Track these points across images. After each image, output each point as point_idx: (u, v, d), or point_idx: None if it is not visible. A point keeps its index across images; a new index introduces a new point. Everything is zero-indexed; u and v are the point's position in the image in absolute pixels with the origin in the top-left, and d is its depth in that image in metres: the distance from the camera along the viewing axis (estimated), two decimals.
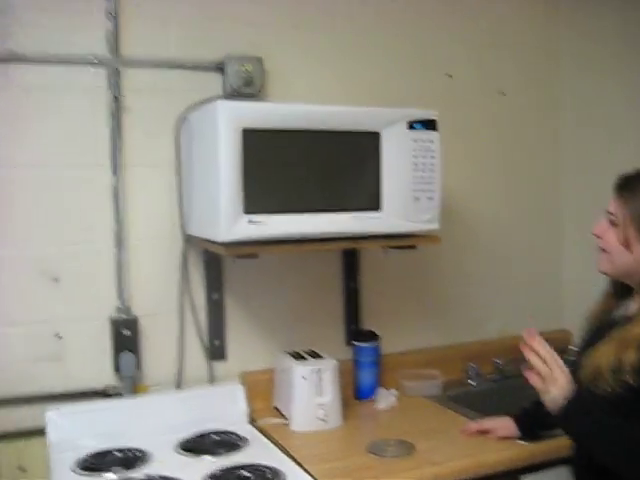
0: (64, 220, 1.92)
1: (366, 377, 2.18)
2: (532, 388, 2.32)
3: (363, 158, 1.84)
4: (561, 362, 1.54)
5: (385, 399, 2.12)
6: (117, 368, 1.95)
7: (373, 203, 1.84)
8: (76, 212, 1.93)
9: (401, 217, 1.86)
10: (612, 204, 1.55)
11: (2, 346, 1.87)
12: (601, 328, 1.60)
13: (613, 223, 1.54)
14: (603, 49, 2.44)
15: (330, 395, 1.94)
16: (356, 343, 2.19)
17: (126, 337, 1.96)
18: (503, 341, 2.48)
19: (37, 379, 1.91)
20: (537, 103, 2.58)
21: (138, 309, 2.00)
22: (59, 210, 1.92)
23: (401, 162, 1.85)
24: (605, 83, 2.44)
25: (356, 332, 2.25)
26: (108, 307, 1.97)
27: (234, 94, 2.01)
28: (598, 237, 1.59)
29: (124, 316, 1.97)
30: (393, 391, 2.17)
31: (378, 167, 1.84)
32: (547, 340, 2.38)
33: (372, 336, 2.19)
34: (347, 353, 2.22)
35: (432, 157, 1.88)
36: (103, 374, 1.97)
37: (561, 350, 2.40)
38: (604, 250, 1.58)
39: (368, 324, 2.28)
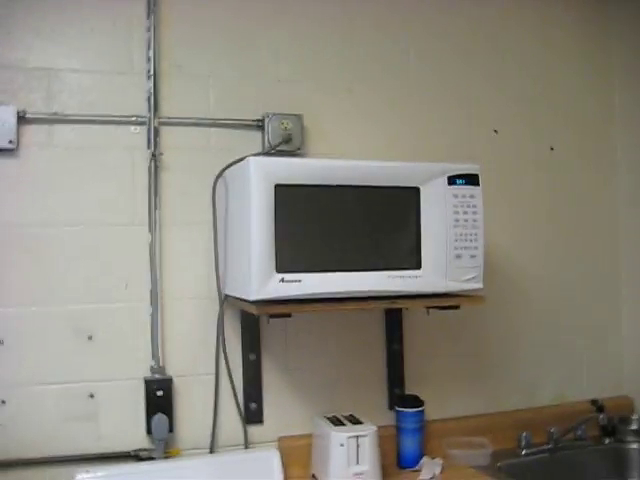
0: (100, 278, 1.91)
1: (410, 445, 2.07)
2: (588, 461, 2.20)
3: (402, 214, 1.78)
4: None
5: (430, 468, 2.00)
6: (149, 430, 1.90)
7: (412, 261, 1.78)
8: (112, 270, 1.92)
9: (442, 276, 1.79)
10: None
11: (34, 405, 1.85)
12: None
13: None
14: None
15: (369, 463, 1.85)
16: (399, 408, 2.09)
17: (160, 398, 1.91)
18: (558, 408, 2.36)
19: (68, 439, 1.87)
20: (589, 158, 2.49)
21: (173, 369, 1.96)
22: (96, 268, 1.91)
23: (441, 218, 1.79)
24: None
25: (399, 397, 2.15)
26: (142, 367, 1.93)
27: (273, 152, 2.00)
28: None
29: (158, 376, 1.93)
30: (438, 460, 2.05)
31: (418, 223, 1.78)
32: (606, 407, 2.25)
33: (416, 401, 2.09)
34: (390, 419, 2.12)
35: (474, 213, 1.81)
36: (135, 436, 1.92)
37: (621, 419, 2.29)
38: None
39: (412, 388, 2.18)
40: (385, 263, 1.75)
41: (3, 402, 1.83)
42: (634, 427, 2.29)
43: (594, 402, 2.28)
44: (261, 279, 1.63)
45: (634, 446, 2.24)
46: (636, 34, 2.45)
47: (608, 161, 2.52)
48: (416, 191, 1.78)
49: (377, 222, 1.76)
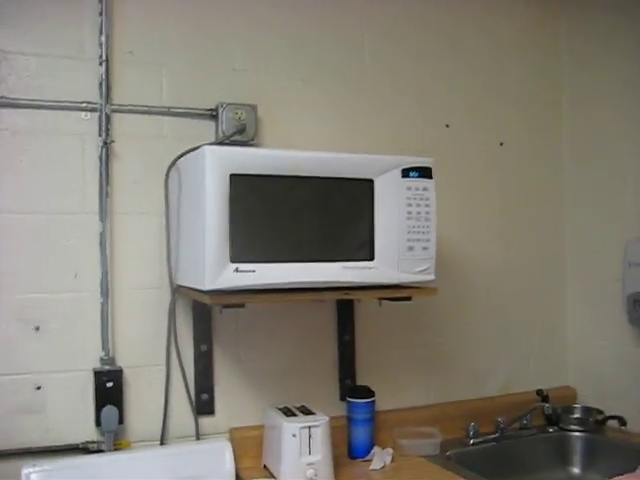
0: (49, 267, 1.87)
1: (361, 435, 2.08)
2: (534, 449, 2.25)
3: (356, 206, 1.79)
4: None
5: (380, 458, 2.02)
6: (99, 422, 1.87)
7: (366, 253, 1.79)
8: (61, 259, 1.88)
9: (394, 267, 1.81)
10: None
11: None
12: None
13: None
14: (608, 97, 2.41)
15: (321, 454, 1.85)
16: (350, 399, 2.10)
17: (109, 389, 1.88)
18: (505, 398, 2.41)
19: (15, 432, 1.83)
20: (538, 153, 2.54)
21: (123, 361, 1.93)
22: (44, 257, 1.87)
23: (395, 210, 1.80)
24: (610, 131, 2.40)
25: (350, 388, 2.16)
26: (92, 358, 1.90)
27: (226, 142, 1.98)
28: None
29: (108, 367, 1.90)
30: (389, 450, 2.07)
31: (371, 215, 1.79)
32: (550, 397, 2.31)
33: (367, 392, 2.10)
34: (341, 409, 2.13)
35: (427, 205, 1.83)
36: (84, 428, 1.88)
37: (565, 408, 2.35)
38: None
39: (363, 379, 2.20)
40: (339, 254, 1.76)
41: None
42: (577, 416, 2.36)
43: (539, 392, 2.34)
44: (215, 269, 1.62)
45: (577, 434, 2.30)
46: (584, 28, 2.50)
47: (555, 156, 2.57)
48: (370, 183, 1.79)
49: (331, 213, 1.76)
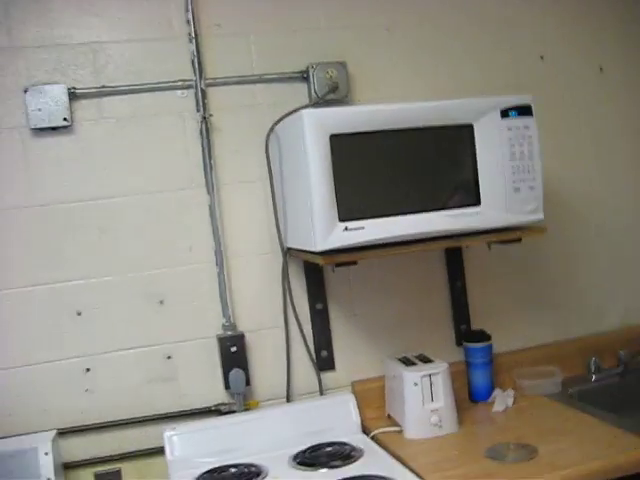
0: (165, 243, 1.96)
1: (480, 379, 2.10)
2: None
3: (457, 153, 1.77)
4: None
5: (502, 400, 2.03)
6: (227, 385, 1.97)
7: (471, 198, 1.78)
8: (176, 234, 1.97)
9: (502, 210, 1.78)
10: None
11: (117, 370, 1.93)
12: None
13: None
14: None
15: (443, 400, 1.88)
16: (467, 344, 2.11)
17: (234, 354, 1.97)
18: (625, 331, 2.35)
19: (152, 400, 1.95)
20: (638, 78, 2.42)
21: (244, 325, 2.01)
22: (159, 234, 1.96)
23: (497, 153, 1.77)
24: None
25: (466, 332, 2.17)
26: (214, 325, 1.99)
27: (320, 102, 2.00)
28: None
29: (230, 333, 1.98)
30: (510, 391, 2.08)
31: (474, 160, 1.77)
32: None
33: (483, 335, 2.10)
34: (458, 355, 2.15)
35: (530, 144, 1.79)
36: (214, 392, 1.99)
37: None
38: None
39: (478, 323, 2.20)
40: (445, 202, 1.76)
41: (88, 370, 1.91)
42: None
43: None
44: (325, 229, 1.65)
45: None
46: None
47: None
48: (470, 128, 1.77)
49: (434, 163, 1.75)
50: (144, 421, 1.94)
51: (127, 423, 1.93)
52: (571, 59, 2.33)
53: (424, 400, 1.87)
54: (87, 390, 1.91)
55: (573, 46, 2.33)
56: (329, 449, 1.85)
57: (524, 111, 1.79)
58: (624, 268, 2.39)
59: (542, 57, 2.29)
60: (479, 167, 1.77)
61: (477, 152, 1.77)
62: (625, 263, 2.40)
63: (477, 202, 1.78)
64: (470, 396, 2.11)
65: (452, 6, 2.21)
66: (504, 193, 1.78)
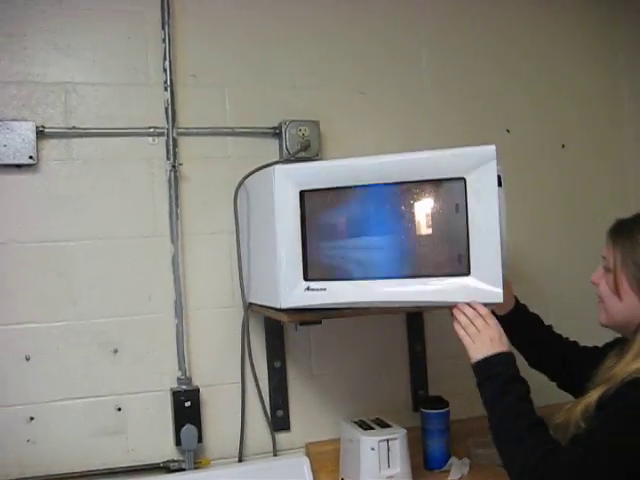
0: (124, 291, 1.92)
1: (436, 446, 2.07)
2: None
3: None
4: (494, 323, 1.50)
5: (458, 469, 2.01)
6: (178, 441, 1.90)
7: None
8: (135, 282, 1.93)
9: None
10: (605, 249, 1.49)
11: (62, 420, 1.85)
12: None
13: (607, 269, 1.48)
14: None
15: (400, 466, 1.85)
16: (424, 410, 2.09)
17: (187, 409, 1.91)
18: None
19: (98, 453, 1.88)
20: (600, 153, 2.50)
21: (199, 379, 1.96)
22: (118, 281, 1.91)
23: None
24: None
25: (424, 398, 2.15)
26: (169, 378, 1.94)
27: (292, 159, 2.00)
28: (595, 284, 1.53)
29: (185, 387, 1.93)
30: (466, 460, 2.05)
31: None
32: None
33: (441, 402, 2.09)
34: (415, 420, 2.12)
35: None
36: (164, 448, 1.92)
37: None
38: (600, 299, 1.51)
39: (436, 389, 2.19)
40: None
41: (32, 419, 1.83)
42: None
43: None
44: (289, 287, 1.63)
45: None
46: None
47: (618, 157, 2.52)
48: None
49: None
50: (88, 476, 1.85)
51: (70, 477, 1.84)
52: (535, 135, 2.40)
53: (380, 466, 1.84)
54: (29, 441, 1.83)
55: (538, 122, 2.41)
56: None
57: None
58: (584, 338, 2.41)
59: (508, 130, 2.35)
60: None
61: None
62: (580, 338, 2.42)
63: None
64: (425, 463, 2.07)
65: (426, 77, 2.26)
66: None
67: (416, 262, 1.63)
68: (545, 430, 1.35)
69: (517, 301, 1.82)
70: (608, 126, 2.52)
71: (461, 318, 1.51)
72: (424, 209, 1.60)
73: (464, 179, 1.54)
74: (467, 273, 1.53)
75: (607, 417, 1.28)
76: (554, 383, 1.82)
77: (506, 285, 1.53)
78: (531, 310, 1.86)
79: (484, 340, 1.48)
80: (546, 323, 1.89)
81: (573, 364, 1.73)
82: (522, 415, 1.38)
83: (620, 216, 2.47)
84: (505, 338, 1.50)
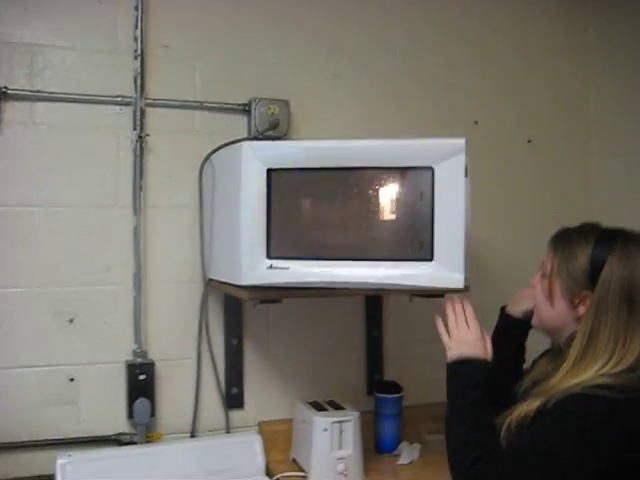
0: (83, 260, 1.89)
1: (388, 430, 2.09)
2: None
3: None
4: (475, 327, 1.52)
5: (408, 453, 2.03)
6: (131, 414, 1.89)
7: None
8: (95, 253, 1.90)
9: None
10: (546, 255, 1.52)
11: (13, 388, 1.83)
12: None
13: (543, 275, 1.50)
14: (635, 93, 2.40)
15: (352, 448, 1.87)
16: (378, 394, 2.11)
17: (141, 382, 1.90)
18: None
19: (49, 423, 1.85)
20: (566, 149, 2.54)
21: (155, 353, 1.95)
22: (78, 250, 1.89)
23: None
24: (638, 127, 2.39)
25: (378, 382, 2.17)
26: (124, 351, 1.92)
27: (259, 137, 1.99)
28: (532, 287, 1.56)
29: (140, 360, 1.91)
30: (416, 445, 2.08)
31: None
32: None
33: (395, 387, 2.11)
34: (369, 404, 2.14)
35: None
36: (116, 420, 1.91)
37: None
38: (535, 302, 1.54)
39: (391, 374, 2.21)
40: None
41: None
42: None
43: None
44: (251, 264, 1.62)
45: None
46: (612, 26, 2.50)
47: (583, 153, 2.57)
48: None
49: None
50: (37, 445, 1.83)
51: (19, 446, 1.81)
52: (503, 128, 2.42)
53: (332, 447, 1.85)
54: None
55: (505, 116, 2.43)
56: None
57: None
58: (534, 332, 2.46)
59: (476, 122, 2.37)
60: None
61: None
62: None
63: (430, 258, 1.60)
64: (376, 447, 2.10)
65: (399, 65, 2.27)
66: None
67: (379, 246, 1.67)
68: (490, 434, 1.37)
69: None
70: (574, 123, 2.55)
71: (449, 313, 1.54)
72: (390, 195, 1.63)
73: (432, 169, 1.57)
74: (430, 259, 1.58)
75: (545, 428, 1.30)
76: None
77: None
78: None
79: (461, 340, 1.51)
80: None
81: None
82: (472, 416, 1.40)
83: (583, 213, 2.54)
84: (482, 343, 1.50)
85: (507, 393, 1.56)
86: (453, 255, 1.57)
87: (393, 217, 1.65)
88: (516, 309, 1.74)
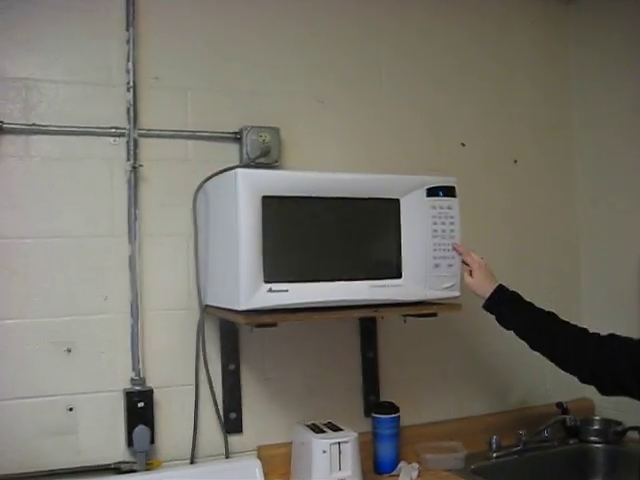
0: (79, 290, 1.90)
1: (386, 450, 2.11)
2: (555, 461, 2.28)
3: (382, 225, 1.84)
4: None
5: (407, 473, 2.04)
6: (130, 442, 1.89)
7: (393, 271, 1.83)
8: (91, 282, 1.91)
9: (421, 285, 1.85)
10: None
11: (12, 419, 1.82)
12: None
13: None
14: (617, 114, 2.47)
15: (351, 469, 1.88)
16: (375, 415, 2.13)
17: (140, 410, 1.90)
18: (525, 412, 2.44)
19: (48, 454, 1.84)
20: (550, 169, 2.60)
21: (153, 381, 1.95)
22: (74, 280, 1.89)
23: (421, 229, 1.85)
24: (620, 147, 2.46)
25: (375, 403, 2.19)
26: (122, 379, 1.92)
27: (251, 164, 2.02)
28: None
29: (139, 388, 1.92)
30: (415, 465, 2.09)
31: (398, 234, 1.84)
32: (570, 409, 2.35)
33: (392, 407, 2.13)
34: (366, 425, 2.15)
35: (452, 223, 1.88)
36: (116, 449, 1.90)
37: (584, 420, 2.38)
38: None
39: (387, 395, 2.22)
40: (367, 273, 1.80)
41: None
42: (596, 427, 2.38)
43: (559, 405, 2.37)
44: (249, 289, 1.65)
45: (597, 446, 2.33)
46: (594, 48, 2.57)
47: (568, 172, 2.63)
48: (396, 203, 1.84)
49: (360, 233, 1.81)
50: (36, 477, 1.82)
51: (16, 477, 1.80)
52: (489, 149, 2.47)
53: (332, 468, 1.86)
54: None
55: (491, 138, 2.48)
56: None
57: (449, 192, 1.89)
58: (526, 353, 2.48)
59: (463, 144, 2.42)
60: (403, 241, 1.84)
61: (402, 226, 1.83)
62: (528, 349, 2.49)
63: (399, 275, 1.83)
64: (375, 467, 2.11)
65: (385, 89, 2.32)
66: (425, 268, 1.85)
67: (363, 266, 1.82)
68: None
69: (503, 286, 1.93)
70: (558, 143, 2.62)
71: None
72: (368, 222, 1.84)
73: (399, 200, 1.85)
74: (400, 276, 1.84)
75: None
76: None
77: (480, 268, 1.90)
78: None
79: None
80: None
81: (599, 358, 1.75)
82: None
83: (566, 231, 2.59)
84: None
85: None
86: (416, 273, 1.85)
87: (370, 241, 1.83)
88: (487, 294, 1.89)
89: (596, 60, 2.55)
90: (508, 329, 1.89)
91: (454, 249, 1.89)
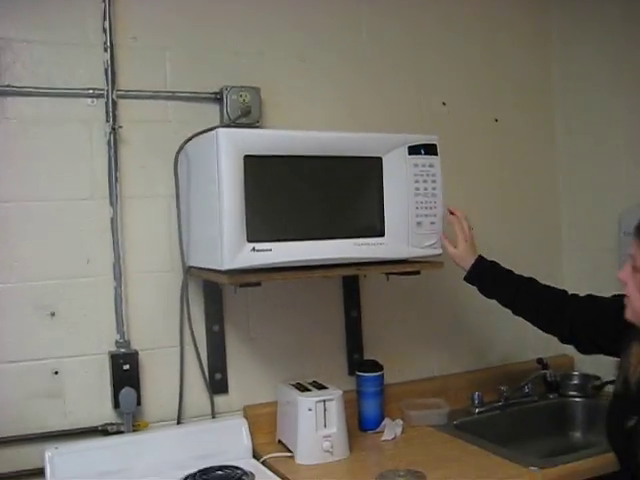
0: (61, 253, 1.89)
1: (371, 408, 2.13)
2: (536, 415, 2.33)
3: (365, 184, 1.83)
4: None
5: (391, 430, 2.08)
6: (117, 404, 1.90)
7: (376, 229, 1.83)
8: (73, 245, 1.90)
9: (404, 243, 1.86)
10: (633, 247, 1.45)
11: None
12: None
13: (635, 268, 1.44)
14: (597, 70, 2.47)
15: (336, 426, 1.90)
16: (359, 373, 2.15)
17: (126, 372, 1.91)
18: (506, 368, 2.47)
19: (34, 417, 1.85)
20: (531, 126, 2.60)
21: (138, 343, 1.96)
22: (56, 243, 1.88)
23: (403, 187, 1.85)
24: (600, 103, 2.47)
25: (359, 362, 2.21)
26: (107, 342, 1.93)
27: (232, 124, 2.01)
28: (623, 283, 1.49)
29: (124, 350, 1.92)
30: (399, 421, 2.13)
31: (380, 192, 1.83)
32: (550, 365, 2.40)
33: (375, 366, 2.15)
34: (350, 383, 2.17)
35: (433, 181, 1.88)
36: (102, 411, 1.91)
37: (564, 375, 2.42)
38: (627, 297, 1.48)
39: (371, 353, 2.25)
40: (350, 231, 1.80)
41: None
42: (576, 382, 2.43)
43: (540, 361, 2.41)
44: (233, 249, 1.65)
45: (576, 400, 2.38)
46: (573, 5, 2.56)
47: (548, 129, 2.64)
48: (378, 160, 1.83)
49: (342, 191, 1.80)
50: (24, 440, 1.83)
51: (4, 442, 1.81)
52: (470, 108, 2.47)
53: (317, 426, 1.89)
54: None
55: (472, 97, 2.48)
56: (220, 473, 1.81)
57: (430, 150, 1.88)
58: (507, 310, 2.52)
59: (444, 103, 2.41)
60: (385, 199, 1.84)
61: (384, 184, 1.83)
62: None
63: (381, 233, 1.84)
64: (360, 424, 2.14)
65: (367, 47, 2.30)
66: (407, 226, 1.85)
67: (346, 225, 1.82)
68: None
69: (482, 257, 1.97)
70: (539, 101, 2.62)
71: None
72: (351, 180, 1.83)
73: (381, 158, 1.83)
74: (382, 234, 1.84)
75: None
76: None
77: (466, 241, 1.94)
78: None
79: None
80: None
81: (578, 319, 1.79)
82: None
83: (547, 189, 2.61)
84: None
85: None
86: (399, 231, 1.85)
87: (353, 200, 1.82)
88: (469, 266, 1.94)
89: (577, 17, 2.55)
90: (490, 298, 1.94)
91: (450, 212, 1.94)
